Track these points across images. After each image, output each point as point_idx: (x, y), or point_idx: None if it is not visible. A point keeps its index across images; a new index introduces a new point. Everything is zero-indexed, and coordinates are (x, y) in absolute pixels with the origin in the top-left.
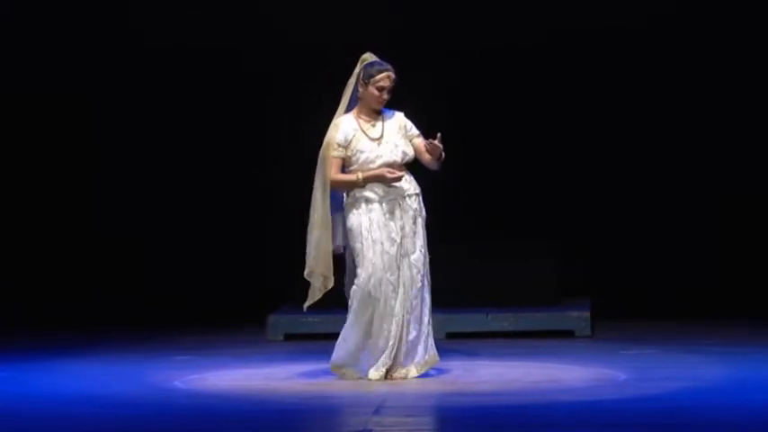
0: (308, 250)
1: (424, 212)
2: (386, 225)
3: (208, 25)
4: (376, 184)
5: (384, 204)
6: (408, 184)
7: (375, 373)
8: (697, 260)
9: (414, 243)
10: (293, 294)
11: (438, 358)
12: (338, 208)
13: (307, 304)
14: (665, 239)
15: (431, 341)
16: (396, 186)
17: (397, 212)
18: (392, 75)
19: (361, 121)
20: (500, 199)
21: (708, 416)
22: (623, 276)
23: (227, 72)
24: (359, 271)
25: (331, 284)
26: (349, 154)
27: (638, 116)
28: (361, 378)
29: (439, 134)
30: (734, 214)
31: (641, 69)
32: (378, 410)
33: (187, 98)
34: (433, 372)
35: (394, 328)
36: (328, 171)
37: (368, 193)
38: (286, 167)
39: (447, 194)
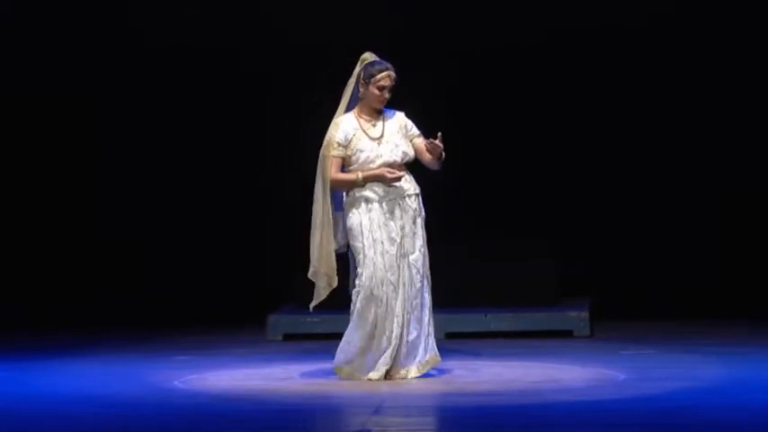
0: (311, 250)
1: (423, 212)
2: (386, 225)
3: (208, 25)
4: (376, 184)
5: (384, 204)
6: (408, 183)
7: (375, 373)
8: (697, 260)
9: (413, 243)
10: (293, 294)
11: (439, 358)
12: (340, 207)
13: (313, 304)
14: (664, 239)
15: (431, 341)
16: (396, 186)
17: (397, 212)
18: (392, 74)
19: (361, 120)
20: (500, 199)
21: (707, 416)
22: (623, 276)
23: (227, 72)
24: (359, 270)
25: (335, 284)
26: (349, 153)
27: (638, 116)
28: (362, 378)
29: (440, 133)
30: (734, 214)
31: (641, 69)
32: (377, 410)
33: (187, 98)
34: (433, 372)
35: (395, 328)
36: (328, 170)
37: (368, 193)
38: (286, 167)
39: (447, 194)
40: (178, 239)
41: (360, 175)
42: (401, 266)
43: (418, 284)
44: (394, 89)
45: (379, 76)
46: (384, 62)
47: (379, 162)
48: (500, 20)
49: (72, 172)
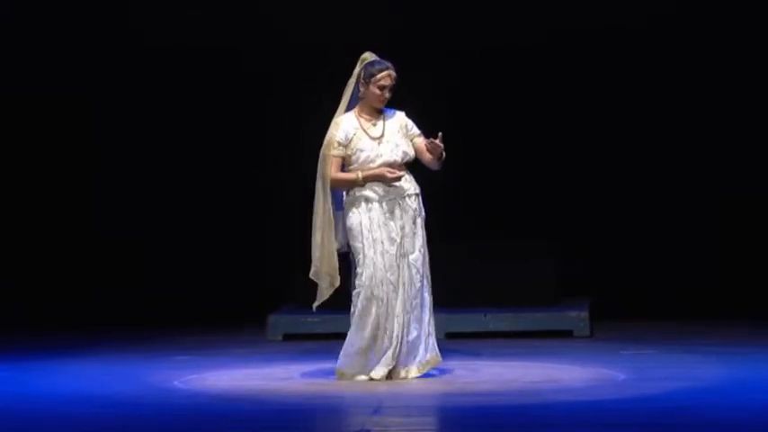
0: (312, 250)
1: (423, 212)
2: (386, 225)
3: (208, 25)
4: (376, 184)
5: (384, 204)
6: (408, 183)
7: (377, 372)
8: (697, 260)
9: (413, 243)
10: (293, 294)
11: (440, 358)
12: (340, 207)
13: (316, 304)
14: (664, 239)
15: (432, 341)
16: (396, 186)
17: (397, 212)
18: (393, 73)
19: (362, 120)
20: (500, 199)
21: (707, 416)
22: (623, 276)
23: (227, 72)
24: (359, 270)
25: (338, 283)
26: (349, 153)
27: (638, 116)
28: (364, 378)
29: (440, 133)
30: (734, 214)
31: (641, 69)
32: (377, 410)
33: (187, 98)
34: (434, 372)
35: (396, 328)
36: (328, 169)
37: (368, 193)
38: (286, 167)
39: (447, 194)
40: (178, 239)
41: (360, 174)
42: (401, 266)
43: (418, 284)
44: (394, 88)
45: (379, 76)
46: (384, 61)
47: (379, 162)
48: (500, 20)
49: (72, 172)
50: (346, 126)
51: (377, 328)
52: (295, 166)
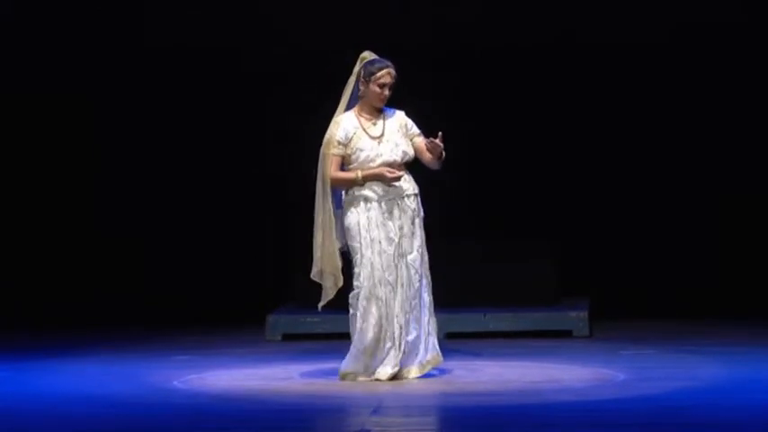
0: (314, 250)
1: (422, 212)
2: (384, 224)
3: (208, 25)
4: (375, 183)
5: (383, 204)
6: (407, 183)
7: (382, 372)
8: (697, 260)
9: (411, 243)
10: (293, 294)
11: (441, 358)
12: (340, 205)
13: (321, 304)
14: (664, 239)
15: (432, 341)
16: (395, 186)
17: (396, 212)
18: (393, 71)
19: (362, 119)
20: (500, 199)
21: (707, 416)
22: (623, 276)
23: (227, 72)
24: (356, 270)
25: (341, 282)
26: (349, 152)
27: (638, 116)
28: (369, 379)
29: (440, 133)
30: (734, 214)
31: (641, 69)
32: (377, 410)
33: (187, 98)
34: (434, 372)
35: (395, 328)
36: (328, 168)
37: (367, 192)
38: (286, 168)
39: (447, 194)
40: (178, 239)
41: (359, 173)
42: (399, 266)
43: (416, 284)
44: (394, 87)
45: (379, 74)
46: (384, 60)
47: (378, 161)
48: (500, 20)
49: (72, 172)
50: (346, 125)
51: (379, 328)
52: (295, 166)
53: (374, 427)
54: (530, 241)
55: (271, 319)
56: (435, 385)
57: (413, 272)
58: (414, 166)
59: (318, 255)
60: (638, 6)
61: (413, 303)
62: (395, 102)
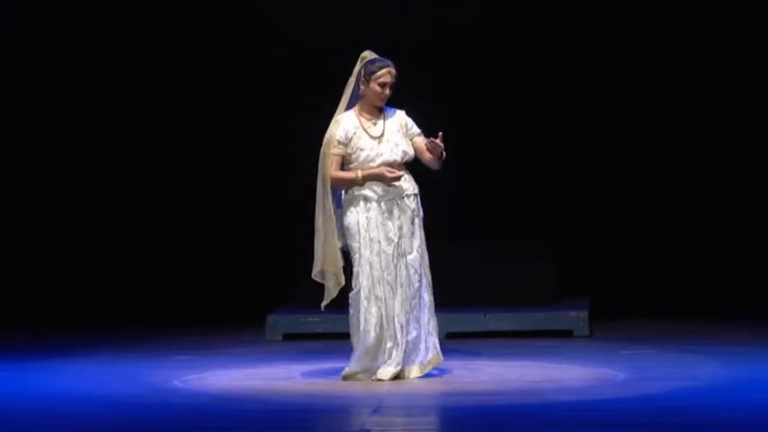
0: (315, 249)
1: (421, 213)
2: (383, 224)
3: (208, 25)
4: (375, 183)
5: (383, 204)
6: (407, 183)
7: (384, 372)
8: (697, 260)
9: (411, 243)
10: (293, 294)
11: (441, 358)
12: (340, 205)
13: (324, 303)
14: (664, 239)
15: (433, 341)
16: (395, 186)
17: (396, 212)
18: (393, 70)
19: (362, 118)
20: (500, 199)
21: (707, 416)
22: (623, 276)
23: (227, 72)
24: (356, 269)
25: (343, 281)
26: (349, 151)
27: (638, 116)
28: (371, 379)
29: (441, 133)
30: (734, 214)
31: (641, 69)
32: (377, 410)
33: (187, 98)
34: (434, 371)
35: (397, 327)
36: (328, 168)
37: (367, 192)
38: (286, 168)
39: (447, 194)
40: (178, 239)
41: (359, 173)
42: (398, 266)
43: (416, 284)
44: (394, 86)
45: (379, 73)
46: (384, 59)
47: (379, 161)
48: (500, 20)
49: (72, 172)
50: (346, 124)
51: (381, 328)
52: (295, 166)
53: (374, 427)
54: (530, 241)
55: (271, 318)
56: (435, 385)
57: (412, 272)
58: (414, 166)
59: (319, 254)
60: (638, 6)
61: (413, 303)
62: (395, 101)
